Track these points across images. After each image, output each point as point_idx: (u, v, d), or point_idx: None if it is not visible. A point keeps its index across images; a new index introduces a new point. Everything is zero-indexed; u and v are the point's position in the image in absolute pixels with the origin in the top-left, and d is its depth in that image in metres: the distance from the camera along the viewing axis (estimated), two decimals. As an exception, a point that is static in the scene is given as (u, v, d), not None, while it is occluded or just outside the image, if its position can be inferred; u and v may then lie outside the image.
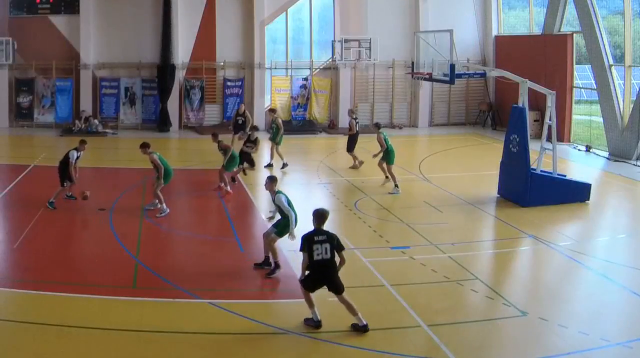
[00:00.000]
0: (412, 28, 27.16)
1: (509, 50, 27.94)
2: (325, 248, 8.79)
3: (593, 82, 23.55)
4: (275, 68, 28.35)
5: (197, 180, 18.37)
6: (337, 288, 8.90)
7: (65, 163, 14.79)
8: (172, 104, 27.01)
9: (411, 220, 14.43)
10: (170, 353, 8.33)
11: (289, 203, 10.83)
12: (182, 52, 27.26)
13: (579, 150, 23.61)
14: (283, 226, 10.91)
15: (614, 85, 22.22)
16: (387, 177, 17.29)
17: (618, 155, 21.77)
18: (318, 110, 28.37)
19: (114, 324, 8.94)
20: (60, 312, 9.25)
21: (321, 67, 28.80)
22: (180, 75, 27.20)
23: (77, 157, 15.02)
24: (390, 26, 28.13)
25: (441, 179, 18.26)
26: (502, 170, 16.51)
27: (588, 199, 16.03)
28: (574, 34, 24.55)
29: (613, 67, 22.32)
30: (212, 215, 15.43)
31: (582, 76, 27.89)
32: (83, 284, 10.04)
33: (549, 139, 16.28)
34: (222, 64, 27.88)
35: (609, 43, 22.42)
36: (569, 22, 25.16)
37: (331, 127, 28.06)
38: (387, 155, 17.14)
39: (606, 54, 22.28)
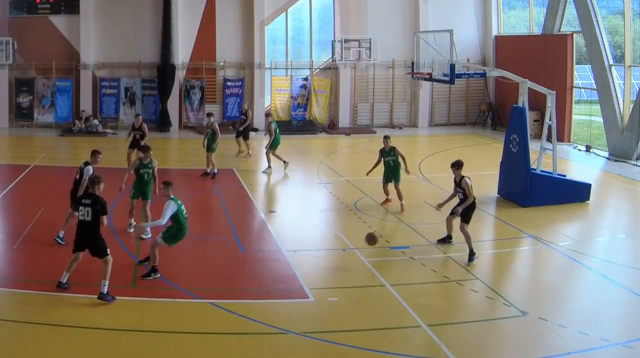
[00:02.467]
0: (412, 28, 27.13)
1: (509, 50, 27.93)
2: (88, 211, 9.68)
3: (593, 82, 23.54)
4: (275, 68, 28.34)
5: (197, 180, 18.35)
6: (97, 251, 9.78)
7: (79, 181, 12.49)
8: (172, 104, 27.01)
9: (411, 220, 14.43)
10: (170, 353, 8.33)
11: (176, 214, 10.59)
12: (182, 52, 27.25)
13: (579, 150, 23.60)
14: (171, 234, 10.73)
15: (614, 85, 22.21)
16: (269, 165, 19.00)
17: (618, 155, 21.76)
18: (318, 110, 28.36)
19: (113, 324, 8.95)
20: (61, 312, 9.25)
21: (321, 67, 28.78)
22: (180, 75, 27.19)
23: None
24: (390, 26, 28.11)
25: (441, 179, 18.20)
26: (502, 170, 16.50)
27: (588, 199, 16.03)
28: (574, 34, 24.55)
29: (613, 67, 22.31)
30: (211, 214, 15.43)
31: (582, 76, 27.87)
32: (83, 284, 10.03)
33: (549, 139, 16.28)
34: (222, 64, 27.88)
35: (609, 43, 22.41)
36: (569, 22, 25.15)
37: (331, 127, 28.05)
38: (274, 142, 19.10)
39: (606, 54, 22.28)
